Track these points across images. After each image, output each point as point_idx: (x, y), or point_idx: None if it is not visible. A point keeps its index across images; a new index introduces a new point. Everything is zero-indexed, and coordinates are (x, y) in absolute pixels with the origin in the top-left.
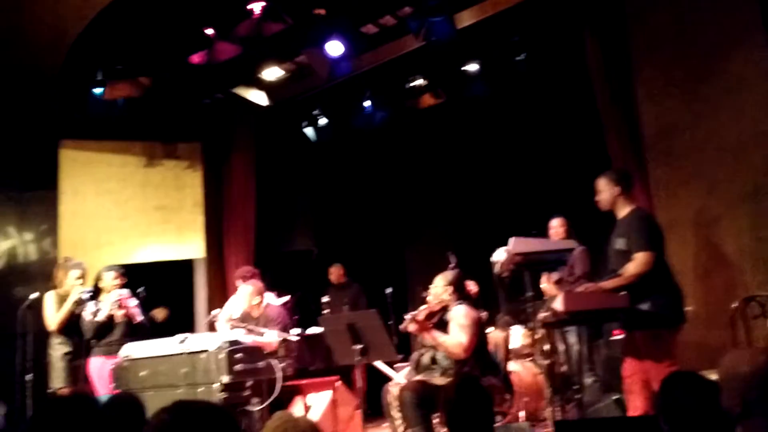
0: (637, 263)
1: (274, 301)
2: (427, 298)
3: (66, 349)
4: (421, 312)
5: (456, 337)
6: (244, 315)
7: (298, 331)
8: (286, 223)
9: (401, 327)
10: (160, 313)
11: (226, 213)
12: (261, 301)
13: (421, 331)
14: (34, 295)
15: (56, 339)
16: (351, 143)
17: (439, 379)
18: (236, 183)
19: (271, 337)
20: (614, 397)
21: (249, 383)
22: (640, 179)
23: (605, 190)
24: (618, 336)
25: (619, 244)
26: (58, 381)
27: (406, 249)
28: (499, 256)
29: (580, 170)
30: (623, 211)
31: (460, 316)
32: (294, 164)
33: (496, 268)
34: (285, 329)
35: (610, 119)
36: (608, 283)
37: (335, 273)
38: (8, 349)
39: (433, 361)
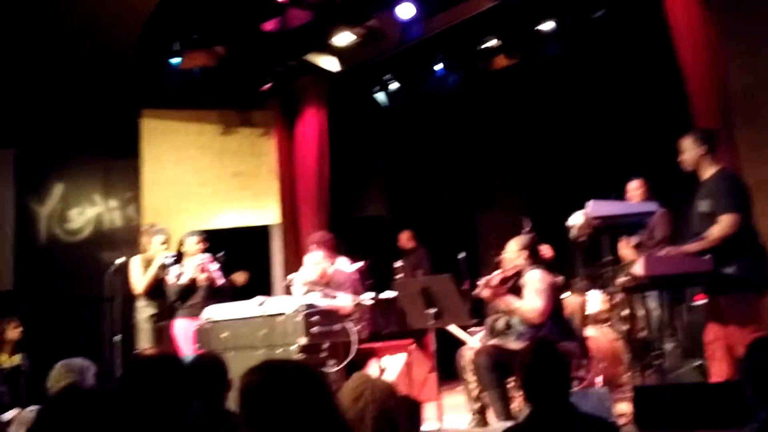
0: (722, 225)
1: (347, 266)
2: (501, 263)
3: (151, 311)
4: (495, 277)
5: (531, 302)
6: (315, 282)
7: (371, 295)
8: (358, 188)
9: (474, 292)
10: (240, 277)
11: (300, 179)
12: (327, 267)
13: (494, 297)
14: (120, 260)
15: (142, 302)
16: (423, 107)
17: (514, 344)
18: (309, 149)
19: (344, 301)
20: (696, 363)
21: (325, 345)
22: (726, 139)
23: (690, 150)
24: (701, 301)
25: (704, 206)
26: (144, 342)
27: (479, 213)
28: (576, 219)
29: (661, 130)
30: (708, 172)
31: (534, 280)
32: (366, 130)
33: (573, 232)
34: (355, 294)
35: (693, 76)
36: (691, 247)
37: (404, 238)
38: (97, 313)
39: (508, 326)
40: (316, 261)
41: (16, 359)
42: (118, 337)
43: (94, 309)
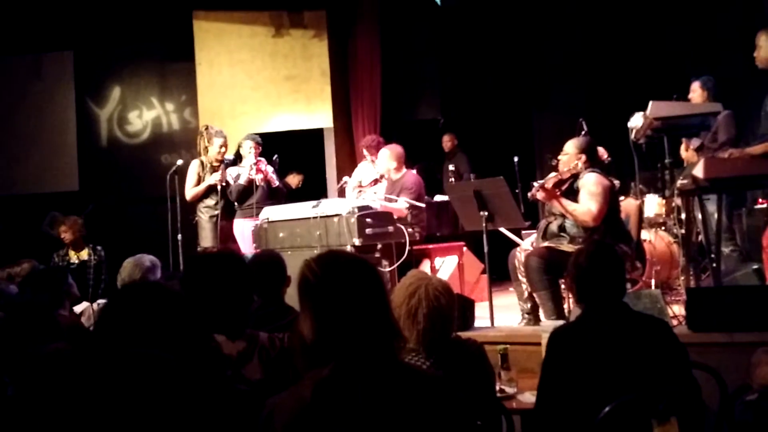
0: None
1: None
2: (557, 166)
3: (213, 211)
4: (550, 179)
5: (586, 205)
6: (382, 177)
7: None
8: (412, 91)
9: (529, 195)
10: (294, 179)
11: (352, 82)
12: (399, 167)
13: (549, 199)
14: (179, 162)
15: (203, 202)
16: (478, 5)
17: (567, 247)
18: (361, 51)
19: (400, 204)
20: (753, 267)
21: (379, 246)
22: None
23: (764, 47)
24: (763, 204)
25: None
26: (206, 240)
27: (535, 115)
28: (636, 121)
29: (729, 25)
30: None
31: (590, 183)
32: (420, 29)
33: (633, 135)
34: (419, 199)
35: None
36: (756, 149)
37: (445, 140)
38: (159, 212)
39: (561, 229)
40: (388, 156)
41: (84, 255)
42: (180, 236)
43: (156, 209)
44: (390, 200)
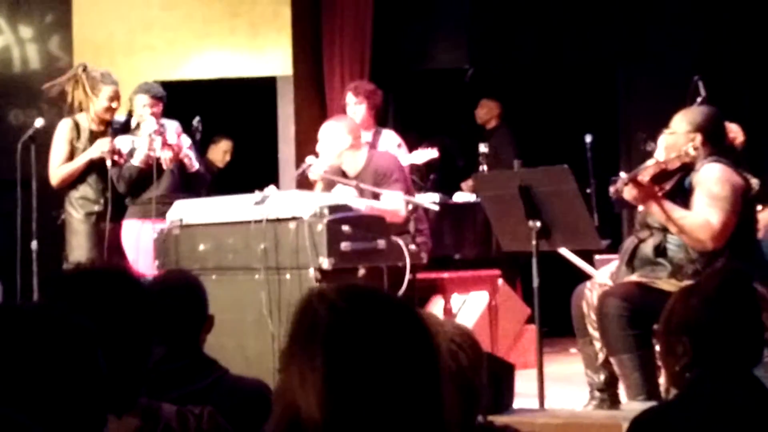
0: None
1: (397, 151)
2: (657, 151)
3: (92, 206)
4: (647, 170)
5: (702, 213)
6: (334, 170)
7: (437, 197)
8: (424, 25)
9: (611, 191)
10: (218, 151)
11: (327, 4)
12: (356, 145)
13: (644, 201)
14: (38, 123)
15: (77, 190)
16: None
17: (667, 283)
18: None
19: (395, 202)
20: None
21: (362, 272)
22: None
23: None
24: None
25: None
26: (79, 251)
27: (620, 70)
28: None
29: None
30: None
31: (711, 180)
32: None
33: None
34: (408, 191)
35: None
36: None
37: (483, 110)
38: (4, 204)
39: (660, 252)
40: (338, 131)
41: None
42: (35, 244)
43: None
44: (375, 195)
